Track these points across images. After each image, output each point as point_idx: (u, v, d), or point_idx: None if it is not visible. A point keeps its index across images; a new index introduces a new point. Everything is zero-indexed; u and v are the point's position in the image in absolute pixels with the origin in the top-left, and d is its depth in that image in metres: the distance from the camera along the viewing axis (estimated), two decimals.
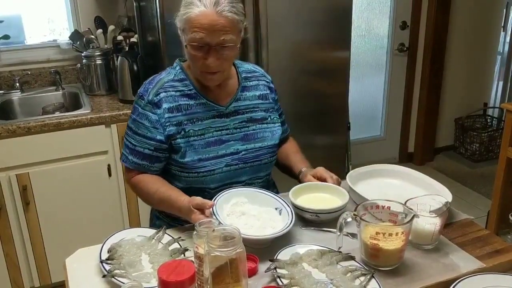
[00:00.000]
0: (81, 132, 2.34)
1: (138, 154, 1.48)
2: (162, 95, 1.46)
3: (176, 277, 0.93)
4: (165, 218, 1.58)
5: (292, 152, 1.67)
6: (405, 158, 4.01)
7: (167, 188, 1.45)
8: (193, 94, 1.49)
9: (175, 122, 1.46)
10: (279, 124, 1.62)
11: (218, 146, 1.50)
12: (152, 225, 1.65)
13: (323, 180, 1.48)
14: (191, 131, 1.47)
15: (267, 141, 1.57)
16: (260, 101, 1.59)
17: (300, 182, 1.53)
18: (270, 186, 1.66)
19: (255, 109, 1.57)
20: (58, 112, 2.57)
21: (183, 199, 1.36)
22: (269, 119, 1.60)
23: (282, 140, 1.67)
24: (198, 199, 1.30)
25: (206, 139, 1.49)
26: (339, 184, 1.47)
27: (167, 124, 1.45)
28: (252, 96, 1.58)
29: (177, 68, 1.53)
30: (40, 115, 2.50)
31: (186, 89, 1.49)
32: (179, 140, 1.46)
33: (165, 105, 1.46)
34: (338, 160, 2.89)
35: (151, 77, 1.53)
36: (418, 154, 4.01)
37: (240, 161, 1.52)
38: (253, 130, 1.56)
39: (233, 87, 1.56)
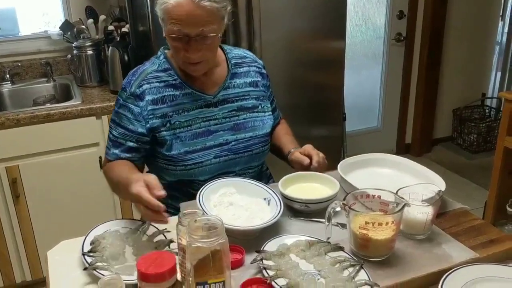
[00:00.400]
0: (72, 124, 2.31)
1: (120, 146, 1.44)
2: (145, 87, 1.42)
3: (155, 269, 0.89)
4: None
5: (283, 134, 1.63)
6: (403, 150, 3.97)
7: (127, 170, 1.36)
8: (178, 84, 1.44)
9: (159, 114, 1.42)
10: (270, 113, 1.58)
11: (206, 137, 1.46)
12: None
13: (309, 156, 1.43)
14: (177, 122, 1.43)
15: (258, 130, 1.53)
16: (251, 89, 1.54)
17: (289, 162, 1.49)
18: (263, 177, 1.62)
19: (246, 97, 1.53)
20: (48, 104, 2.53)
21: (137, 174, 1.27)
22: (259, 107, 1.55)
23: (274, 126, 1.64)
24: (153, 178, 1.18)
25: (193, 130, 1.45)
26: (324, 164, 1.43)
27: (150, 116, 1.41)
28: (242, 84, 1.53)
29: (161, 57, 1.48)
30: (30, 107, 2.46)
31: (170, 79, 1.44)
32: (164, 133, 1.42)
33: (148, 97, 1.41)
34: (334, 151, 2.86)
35: (135, 68, 1.49)
36: (415, 146, 3.98)
37: (230, 152, 1.48)
38: (244, 119, 1.51)
39: (221, 75, 1.51)
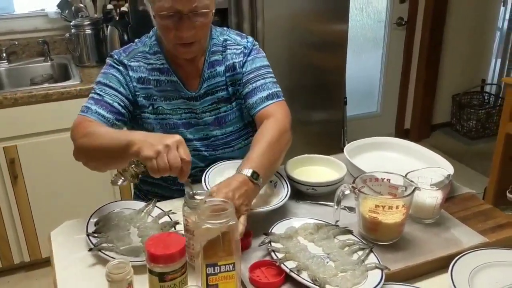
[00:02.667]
0: (70, 104, 2.27)
1: (105, 105, 1.29)
2: (133, 63, 1.36)
3: (165, 250, 0.88)
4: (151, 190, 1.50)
5: (254, 143, 1.25)
6: (401, 135, 3.96)
7: (121, 132, 1.23)
8: (164, 69, 1.36)
9: (144, 95, 1.36)
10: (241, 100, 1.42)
11: (186, 130, 1.39)
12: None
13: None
14: (161, 108, 1.37)
15: (239, 122, 1.43)
16: (229, 74, 1.40)
17: None
18: None
19: (225, 86, 1.40)
20: (46, 84, 2.49)
21: (138, 131, 1.13)
22: (237, 93, 1.41)
23: (263, 114, 1.35)
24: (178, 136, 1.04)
25: (174, 120, 1.38)
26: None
27: (137, 93, 1.35)
28: (221, 72, 1.40)
29: (153, 38, 1.39)
30: (28, 87, 2.42)
31: (158, 62, 1.36)
32: (147, 115, 1.37)
33: (134, 74, 1.35)
34: (334, 135, 2.84)
35: (127, 45, 1.42)
36: (414, 131, 3.97)
37: (209, 148, 1.41)
38: (225, 112, 1.41)
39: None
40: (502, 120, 2.46)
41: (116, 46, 2.40)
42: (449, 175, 1.18)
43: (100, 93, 1.31)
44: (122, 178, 1.08)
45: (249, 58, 1.40)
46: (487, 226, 1.18)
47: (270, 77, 1.41)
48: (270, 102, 1.36)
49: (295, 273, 0.98)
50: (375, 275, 0.98)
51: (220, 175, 1.30)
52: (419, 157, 1.44)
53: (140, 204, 1.28)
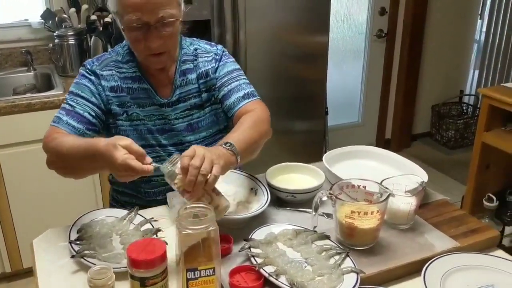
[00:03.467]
0: (53, 113, 2.21)
1: (76, 116, 1.32)
2: (105, 73, 1.39)
3: (146, 256, 0.90)
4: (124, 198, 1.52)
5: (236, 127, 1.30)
6: (382, 145, 4.02)
7: (85, 139, 1.21)
8: (136, 77, 1.40)
9: (118, 103, 1.39)
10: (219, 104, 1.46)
11: (161, 135, 1.42)
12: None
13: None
14: (135, 114, 1.40)
15: (213, 127, 1.46)
16: (202, 81, 1.43)
17: None
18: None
19: (198, 93, 1.44)
20: (29, 94, 2.49)
21: (102, 138, 1.11)
22: (212, 99, 1.45)
23: (242, 112, 1.38)
24: (130, 142, 1.05)
25: (148, 126, 1.41)
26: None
27: (109, 102, 1.38)
28: (193, 79, 1.43)
29: (125, 48, 1.42)
30: (11, 96, 2.42)
31: (130, 71, 1.40)
32: (121, 122, 1.40)
33: (106, 84, 1.38)
34: (316, 145, 2.89)
35: (101, 54, 1.46)
36: (395, 141, 4.04)
37: None
38: (198, 118, 1.44)
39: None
40: (478, 130, 2.52)
41: None
42: (422, 182, 1.22)
43: (72, 103, 1.35)
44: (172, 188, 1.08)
45: (220, 64, 1.45)
46: (459, 231, 1.22)
47: (244, 78, 1.46)
48: (247, 100, 1.40)
49: (273, 277, 1.00)
50: (351, 279, 1.02)
51: None
52: (395, 165, 1.49)
53: (122, 212, 1.29)
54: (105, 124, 1.40)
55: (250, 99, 1.41)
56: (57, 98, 2.26)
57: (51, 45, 2.66)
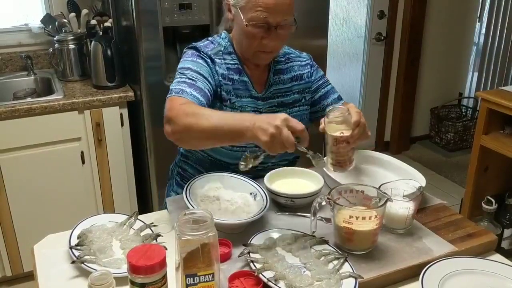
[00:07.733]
0: (53, 118, 2.29)
1: (198, 89, 1.33)
2: (217, 60, 1.45)
3: (146, 261, 0.91)
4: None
5: None
6: (381, 147, 4.04)
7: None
8: (237, 69, 1.47)
9: (226, 90, 1.44)
10: (308, 106, 1.58)
11: None
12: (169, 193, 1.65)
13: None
14: (235, 103, 1.45)
15: None
16: (295, 83, 1.55)
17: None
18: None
19: (288, 93, 1.54)
20: (29, 98, 2.50)
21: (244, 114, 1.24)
22: (303, 100, 1.56)
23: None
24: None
25: None
26: (365, 134, 1.31)
27: (222, 87, 1.43)
28: (286, 80, 1.54)
29: (226, 40, 1.49)
30: (11, 101, 2.43)
31: (232, 62, 1.47)
32: (227, 108, 1.45)
33: (219, 69, 1.43)
34: (315, 149, 2.88)
35: (204, 43, 1.48)
36: (394, 143, 4.05)
37: None
38: None
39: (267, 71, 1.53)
40: (477, 133, 2.53)
41: (100, 61, 2.42)
42: (420, 186, 1.23)
43: (193, 78, 1.36)
44: (243, 163, 1.19)
45: (313, 69, 1.60)
46: (457, 236, 1.23)
47: (330, 83, 1.64)
48: (342, 101, 1.58)
49: (272, 283, 1.01)
50: (349, 284, 1.02)
51: (201, 188, 1.34)
52: (393, 170, 1.49)
53: (122, 217, 1.30)
54: (209, 106, 1.39)
55: (343, 100, 1.58)
56: (57, 103, 2.27)
57: (51, 49, 2.67)
